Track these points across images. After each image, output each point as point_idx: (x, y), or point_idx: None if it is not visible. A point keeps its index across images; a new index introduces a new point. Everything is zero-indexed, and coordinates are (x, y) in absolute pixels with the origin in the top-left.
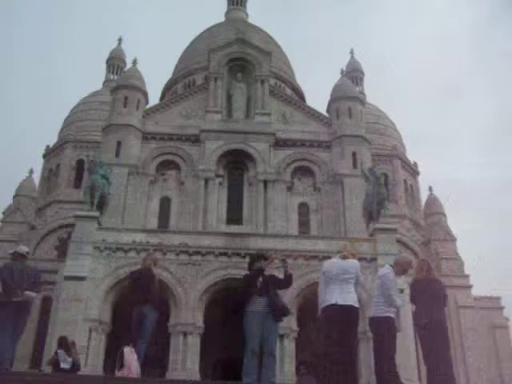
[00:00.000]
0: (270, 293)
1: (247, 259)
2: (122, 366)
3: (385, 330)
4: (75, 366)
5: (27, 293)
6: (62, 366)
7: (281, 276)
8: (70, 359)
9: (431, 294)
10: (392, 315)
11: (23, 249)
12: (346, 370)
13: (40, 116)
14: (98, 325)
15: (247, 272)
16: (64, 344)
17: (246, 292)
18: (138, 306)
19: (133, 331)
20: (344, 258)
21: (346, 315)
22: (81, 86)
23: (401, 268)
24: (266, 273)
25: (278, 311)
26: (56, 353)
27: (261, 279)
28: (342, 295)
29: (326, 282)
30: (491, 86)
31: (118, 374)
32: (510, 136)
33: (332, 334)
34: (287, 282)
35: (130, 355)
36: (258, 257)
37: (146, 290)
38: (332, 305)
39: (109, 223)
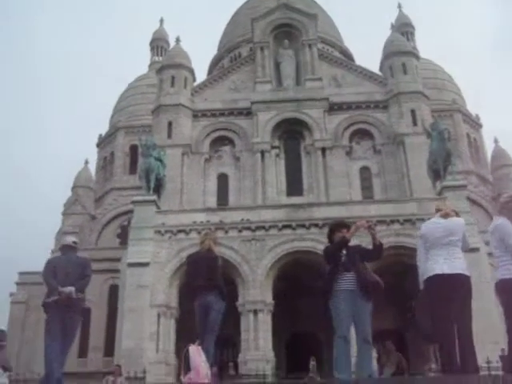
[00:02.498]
0: (359, 267)
1: (312, 230)
2: (189, 368)
3: None
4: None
5: (62, 289)
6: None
7: (368, 246)
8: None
9: None
10: None
11: (69, 239)
12: (465, 349)
13: (91, 106)
14: (166, 310)
15: (327, 244)
16: None
17: (330, 268)
18: (200, 295)
19: (198, 326)
20: (446, 216)
21: (458, 286)
22: (130, 72)
23: None
24: (350, 243)
25: (369, 288)
26: None
27: (345, 252)
28: (448, 262)
29: (426, 248)
30: None
31: (184, 379)
32: None
33: (442, 311)
34: (377, 252)
35: (196, 356)
36: (338, 225)
37: (208, 275)
38: (438, 275)
39: (167, 206)
